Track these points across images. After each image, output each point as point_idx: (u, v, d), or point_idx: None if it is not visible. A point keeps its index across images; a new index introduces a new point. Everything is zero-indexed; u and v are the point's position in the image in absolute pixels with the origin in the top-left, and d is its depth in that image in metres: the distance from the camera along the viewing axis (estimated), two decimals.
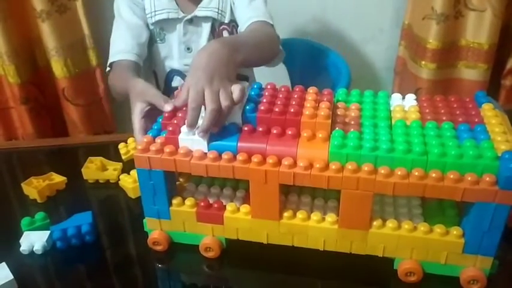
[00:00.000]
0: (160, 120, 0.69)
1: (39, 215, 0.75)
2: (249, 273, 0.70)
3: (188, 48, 1.12)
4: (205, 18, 1.10)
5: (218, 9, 1.09)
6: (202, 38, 1.11)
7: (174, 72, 1.15)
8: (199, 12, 1.09)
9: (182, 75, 1.14)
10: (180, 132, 0.65)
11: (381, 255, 0.65)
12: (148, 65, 1.16)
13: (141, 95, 0.78)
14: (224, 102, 0.65)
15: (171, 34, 1.11)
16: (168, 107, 0.69)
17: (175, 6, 1.09)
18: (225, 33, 1.13)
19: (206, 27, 1.11)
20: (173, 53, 1.13)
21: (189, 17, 1.09)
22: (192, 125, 0.64)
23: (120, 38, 1.08)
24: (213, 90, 0.65)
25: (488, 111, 0.66)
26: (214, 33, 1.12)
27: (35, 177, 0.84)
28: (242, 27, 1.06)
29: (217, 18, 1.09)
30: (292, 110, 0.64)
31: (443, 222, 0.63)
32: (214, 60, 0.70)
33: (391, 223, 0.63)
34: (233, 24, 1.13)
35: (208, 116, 0.63)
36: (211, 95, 0.65)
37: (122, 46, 1.05)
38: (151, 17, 1.09)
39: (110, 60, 1.05)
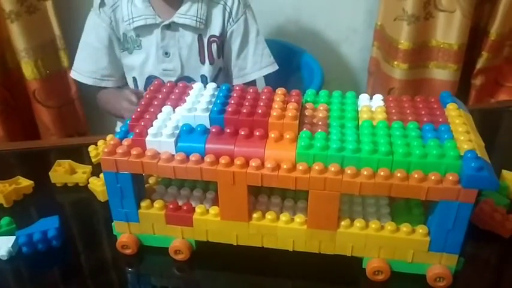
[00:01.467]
0: (128, 122, 0.69)
1: (5, 220, 0.74)
2: (220, 275, 0.69)
3: (166, 53, 1.13)
4: (184, 26, 1.10)
5: (197, 17, 1.09)
6: (181, 43, 1.12)
7: (152, 78, 1.15)
8: (177, 18, 1.09)
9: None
10: (147, 134, 0.64)
11: (350, 255, 0.66)
12: (126, 73, 1.17)
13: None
14: None
15: (148, 39, 1.12)
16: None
17: (152, 11, 1.09)
18: (214, 46, 1.14)
19: (186, 34, 1.11)
20: (150, 59, 1.13)
21: (166, 22, 1.09)
22: None
23: (81, 58, 1.18)
24: None
25: (453, 111, 0.67)
26: (201, 43, 1.13)
27: (0, 181, 0.82)
28: (245, 75, 1.19)
29: (196, 26, 1.10)
30: (259, 111, 0.64)
31: (410, 221, 0.64)
32: None
33: (358, 223, 0.64)
34: (222, 38, 1.15)
35: None
36: None
37: (81, 67, 1.18)
38: (129, 24, 1.09)
39: (79, 78, 1.18)
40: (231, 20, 1.14)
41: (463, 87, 1.58)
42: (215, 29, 1.13)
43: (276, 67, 1.21)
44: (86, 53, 1.16)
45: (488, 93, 1.62)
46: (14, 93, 1.47)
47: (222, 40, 1.16)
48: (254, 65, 1.19)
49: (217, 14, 1.12)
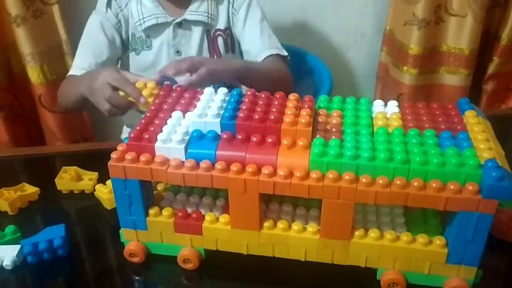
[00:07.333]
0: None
1: (10, 229, 0.72)
2: (229, 285, 0.68)
3: (178, 52, 1.12)
4: (196, 22, 1.10)
5: (208, 13, 1.10)
6: (192, 41, 1.11)
7: (164, 78, 1.13)
8: (189, 16, 1.09)
9: (172, 80, 1.12)
10: (156, 140, 0.63)
11: (364, 266, 0.64)
12: None
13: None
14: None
15: (159, 39, 1.11)
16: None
17: (162, 11, 1.09)
18: (220, 40, 1.13)
19: (196, 30, 1.11)
20: (162, 58, 1.12)
21: (178, 20, 1.09)
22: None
23: (80, 54, 1.10)
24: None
25: (471, 118, 0.65)
26: (209, 38, 1.12)
27: (6, 188, 0.81)
28: (256, 57, 1.11)
29: (208, 22, 1.10)
30: (272, 117, 0.62)
31: (426, 231, 0.62)
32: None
33: (373, 233, 0.62)
34: (228, 32, 1.14)
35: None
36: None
37: (79, 62, 1.08)
38: (140, 25, 1.09)
39: (68, 75, 1.08)
40: (234, 10, 1.13)
41: (474, 93, 1.55)
42: (221, 23, 1.13)
43: (285, 52, 1.14)
44: (85, 48, 1.09)
45: (500, 99, 1.60)
46: (20, 98, 1.46)
47: (230, 34, 1.15)
48: (262, 45, 1.13)
49: (223, 7, 1.13)
